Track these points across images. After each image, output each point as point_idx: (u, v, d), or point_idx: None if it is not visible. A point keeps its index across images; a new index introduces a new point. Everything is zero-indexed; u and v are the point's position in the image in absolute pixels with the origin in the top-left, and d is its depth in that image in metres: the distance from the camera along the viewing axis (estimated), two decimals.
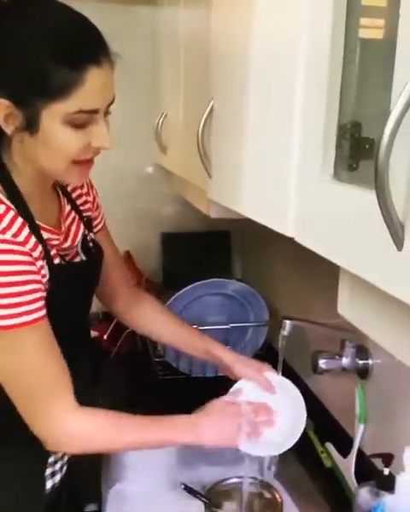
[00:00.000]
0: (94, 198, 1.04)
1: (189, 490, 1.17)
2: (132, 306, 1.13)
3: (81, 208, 0.99)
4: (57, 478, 0.96)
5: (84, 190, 1.02)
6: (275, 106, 0.62)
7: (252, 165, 0.69)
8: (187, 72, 1.20)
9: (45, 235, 0.84)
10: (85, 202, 1.01)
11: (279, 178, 0.60)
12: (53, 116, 0.73)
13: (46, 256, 0.82)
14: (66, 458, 0.99)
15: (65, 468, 0.99)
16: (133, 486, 1.20)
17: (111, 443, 0.88)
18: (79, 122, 0.75)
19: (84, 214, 0.99)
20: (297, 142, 0.55)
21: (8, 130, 0.76)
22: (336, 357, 1.06)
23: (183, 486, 1.17)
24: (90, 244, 0.97)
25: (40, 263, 0.80)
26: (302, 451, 1.19)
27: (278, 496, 1.17)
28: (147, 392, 1.40)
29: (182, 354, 1.44)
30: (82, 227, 0.96)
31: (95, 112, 0.76)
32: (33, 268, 0.77)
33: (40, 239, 0.81)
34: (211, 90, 0.88)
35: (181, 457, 1.26)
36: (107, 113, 0.79)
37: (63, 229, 0.92)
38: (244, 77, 0.71)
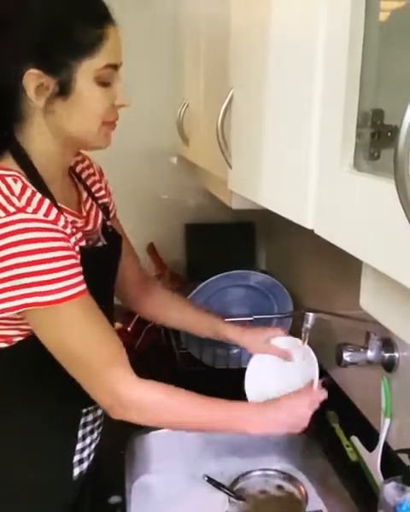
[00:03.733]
0: (105, 185, 1.06)
1: (212, 482, 1.17)
2: (142, 295, 1.15)
3: (96, 195, 1.00)
4: (85, 465, 0.97)
5: (97, 177, 1.03)
6: (294, 94, 0.60)
7: (271, 156, 0.68)
8: (207, 62, 1.18)
9: (69, 217, 0.86)
10: (100, 189, 1.03)
11: (298, 169, 0.58)
12: (86, 74, 0.78)
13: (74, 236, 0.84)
14: (93, 445, 1.00)
15: (92, 455, 0.99)
16: (157, 478, 1.21)
17: (178, 414, 0.87)
18: (105, 79, 0.80)
19: (100, 201, 1.00)
20: (316, 132, 0.54)
21: (40, 101, 0.78)
22: (361, 349, 1.04)
23: (206, 478, 1.17)
24: (110, 230, 0.99)
25: (73, 239, 0.82)
26: (327, 445, 1.18)
27: (302, 489, 1.16)
28: (170, 385, 1.40)
29: (205, 347, 1.43)
30: (100, 213, 0.98)
31: (116, 67, 0.81)
32: (69, 244, 0.79)
33: (66, 219, 0.83)
34: (230, 79, 0.86)
35: (205, 449, 1.26)
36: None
37: (84, 213, 0.93)
38: (263, 65, 0.70)
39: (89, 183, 1.00)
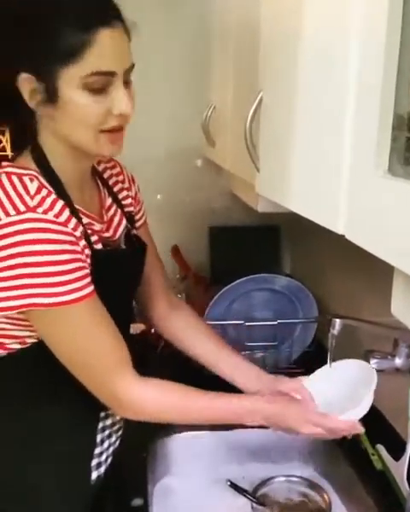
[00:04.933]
0: (136, 193, 1.04)
1: (235, 487, 1.16)
2: (169, 316, 1.09)
3: (123, 203, 0.99)
4: (102, 469, 0.97)
5: (126, 185, 1.01)
6: (326, 97, 0.59)
7: (301, 160, 0.67)
8: (236, 64, 1.18)
9: (85, 219, 0.85)
10: (127, 197, 1.00)
11: (330, 173, 0.57)
12: (69, 81, 0.73)
13: (87, 239, 0.83)
14: (111, 449, 0.99)
15: (110, 459, 0.99)
16: (179, 481, 1.20)
17: (181, 409, 0.90)
18: (97, 86, 0.74)
19: (126, 209, 0.99)
20: (349, 135, 0.53)
21: (33, 105, 0.77)
22: (389, 356, 1.02)
23: (229, 483, 1.16)
24: (134, 239, 0.97)
25: (83, 242, 0.81)
26: (353, 453, 1.16)
27: (326, 497, 1.14)
28: (194, 388, 1.39)
29: None
30: (124, 221, 0.96)
31: (111, 75, 0.75)
32: (76, 247, 0.78)
33: (80, 221, 0.82)
34: (259, 81, 0.85)
35: (227, 453, 1.25)
36: (127, 82, 0.79)
37: (105, 219, 0.92)
38: (294, 68, 0.69)
39: (116, 189, 0.99)
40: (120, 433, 1.02)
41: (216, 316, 1.41)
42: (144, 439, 1.17)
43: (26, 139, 0.83)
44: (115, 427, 1.00)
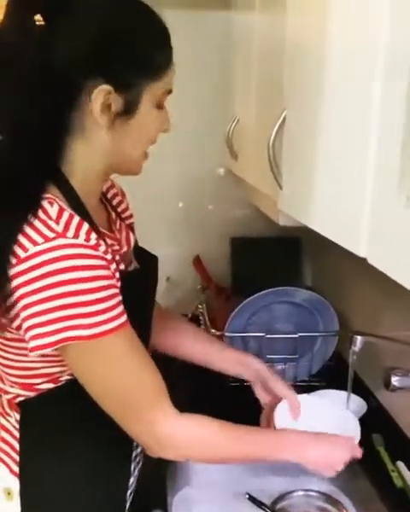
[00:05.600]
0: (127, 205, 1.02)
1: (253, 500, 1.16)
2: (161, 323, 1.07)
3: (123, 216, 0.98)
4: (131, 480, 0.96)
5: (121, 198, 1.00)
6: (351, 121, 0.60)
7: (324, 181, 0.68)
8: (260, 79, 1.19)
9: (109, 241, 0.82)
10: (125, 210, 1.00)
11: (353, 196, 0.58)
12: (150, 96, 0.77)
13: (115, 262, 0.78)
14: (136, 472, 0.98)
15: (137, 470, 0.98)
16: (198, 493, 1.20)
17: (215, 452, 0.86)
18: (161, 104, 0.80)
19: (127, 221, 0.98)
20: (373, 161, 0.53)
21: (103, 118, 0.74)
22: None
23: (247, 496, 1.16)
24: (142, 252, 0.96)
25: (113, 266, 0.76)
26: (372, 469, 1.15)
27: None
28: (214, 398, 1.40)
29: None
30: (131, 233, 0.94)
31: (169, 92, 0.81)
32: (109, 272, 0.73)
33: (106, 243, 0.77)
34: (284, 100, 0.86)
35: (246, 466, 1.25)
36: None
37: (117, 235, 0.89)
38: (319, 89, 0.70)
39: (114, 203, 0.97)
40: (143, 453, 1.00)
41: (237, 328, 1.41)
42: None
43: (51, 158, 0.77)
44: (139, 449, 0.98)
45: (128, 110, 0.76)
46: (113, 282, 0.74)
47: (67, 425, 0.86)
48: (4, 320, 0.75)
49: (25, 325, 0.71)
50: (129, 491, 0.95)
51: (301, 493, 1.20)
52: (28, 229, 0.70)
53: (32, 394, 0.83)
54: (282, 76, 0.90)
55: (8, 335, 0.79)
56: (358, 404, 1.27)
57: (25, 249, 0.69)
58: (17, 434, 0.87)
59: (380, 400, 1.32)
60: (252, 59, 1.25)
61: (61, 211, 0.72)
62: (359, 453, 0.95)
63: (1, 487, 0.90)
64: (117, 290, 0.75)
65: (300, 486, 1.21)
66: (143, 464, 1.02)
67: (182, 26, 1.73)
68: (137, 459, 0.97)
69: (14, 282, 0.69)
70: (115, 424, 0.80)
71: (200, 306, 1.60)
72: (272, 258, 1.86)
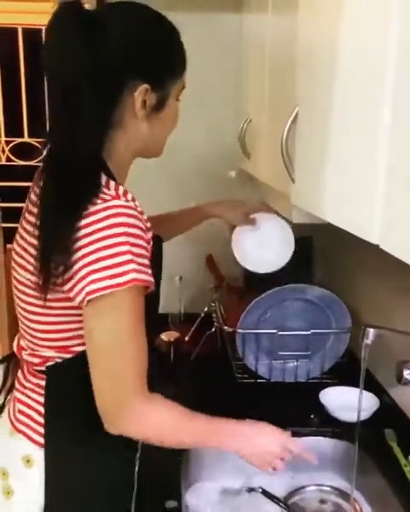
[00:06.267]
0: None
1: (267, 494, 1.17)
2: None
3: None
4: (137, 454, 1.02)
5: None
6: (362, 113, 0.61)
7: (336, 172, 0.69)
8: (272, 79, 1.21)
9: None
10: None
11: (365, 185, 0.59)
12: (175, 92, 0.92)
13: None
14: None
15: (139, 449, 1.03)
16: (211, 486, 1.22)
17: (166, 434, 0.90)
18: (178, 97, 0.94)
19: None
20: (384, 150, 0.55)
21: (141, 113, 0.88)
22: None
23: (261, 490, 1.17)
24: None
25: (150, 234, 0.86)
26: (385, 464, 1.16)
27: (357, 507, 1.14)
28: (225, 395, 1.41)
29: (261, 358, 1.44)
30: None
31: (184, 89, 0.95)
32: (147, 235, 0.84)
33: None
34: (296, 97, 0.88)
35: None
36: None
37: None
38: (330, 84, 0.71)
39: None
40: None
41: (249, 324, 1.42)
42: None
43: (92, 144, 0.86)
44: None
45: (160, 105, 0.90)
46: (147, 245, 0.83)
47: (88, 392, 0.88)
48: (59, 280, 0.81)
49: (82, 272, 0.78)
50: (136, 467, 1.01)
51: (313, 488, 1.21)
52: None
53: (67, 356, 0.90)
54: (294, 75, 0.92)
55: (53, 296, 0.85)
56: (370, 400, 1.28)
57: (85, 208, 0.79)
58: (38, 405, 0.93)
59: (392, 396, 1.33)
60: (264, 59, 1.27)
61: (108, 181, 0.83)
62: (295, 448, 0.98)
63: (20, 455, 0.93)
64: (148, 253, 0.84)
65: (313, 481, 1.22)
66: (158, 457, 1.04)
67: (196, 28, 1.76)
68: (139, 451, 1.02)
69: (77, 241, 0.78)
70: None
71: (213, 304, 1.62)
72: None
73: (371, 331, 0.94)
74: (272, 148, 1.05)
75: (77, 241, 0.78)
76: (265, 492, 1.17)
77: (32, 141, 3.91)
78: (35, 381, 0.94)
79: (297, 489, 1.20)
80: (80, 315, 0.84)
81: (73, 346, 0.89)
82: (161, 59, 0.89)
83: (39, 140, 3.89)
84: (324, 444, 1.27)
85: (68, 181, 0.82)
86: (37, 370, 0.93)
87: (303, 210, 0.89)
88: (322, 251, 1.95)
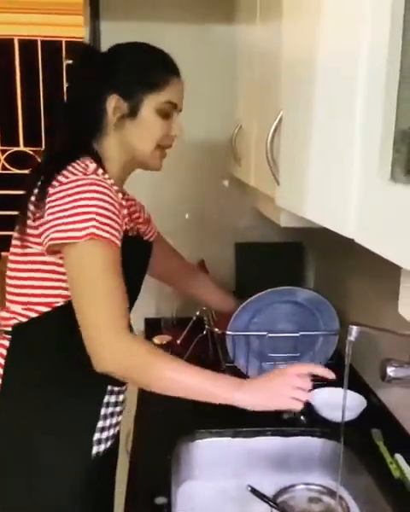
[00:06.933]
0: (147, 217, 1.33)
1: (255, 493, 1.18)
2: (187, 279, 1.51)
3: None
4: (102, 447, 1.09)
5: (137, 207, 1.28)
6: (337, 116, 0.65)
7: (315, 172, 0.72)
8: (260, 86, 1.25)
9: (126, 203, 1.11)
10: (139, 217, 1.26)
11: (341, 183, 0.63)
12: (150, 104, 1.06)
13: (129, 214, 1.13)
14: (112, 431, 1.12)
15: (110, 442, 1.11)
16: (201, 485, 1.24)
17: (151, 370, 0.94)
18: (165, 112, 1.08)
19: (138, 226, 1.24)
20: (358, 148, 0.58)
21: (114, 119, 1.06)
22: (406, 365, 1.04)
23: (249, 489, 1.19)
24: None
25: (125, 211, 1.05)
26: (371, 463, 1.18)
27: (344, 505, 1.16)
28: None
29: (251, 361, 1.47)
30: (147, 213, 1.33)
31: (175, 107, 1.10)
32: (120, 210, 0.99)
33: (125, 199, 1.09)
34: (280, 102, 0.91)
35: (249, 460, 1.28)
36: (178, 114, 1.12)
37: (134, 203, 1.25)
38: (310, 89, 0.75)
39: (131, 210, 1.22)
40: (120, 417, 1.16)
41: (239, 327, 1.45)
42: (169, 441, 1.22)
43: (88, 145, 1.08)
44: (118, 409, 1.13)
45: (132, 113, 1.07)
46: (119, 215, 0.97)
47: (49, 355, 1.04)
48: (33, 231, 0.99)
49: (51, 224, 0.94)
50: (97, 437, 1.08)
51: (301, 487, 1.23)
52: (68, 173, 0.98)
53: (31, 315, 1.03)
54: (279, 81, 0.95)
55: (29, 251, 1.02)
56: (357, 400, 1.30)
57: (66, 177, 0.97)
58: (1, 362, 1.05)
59: (380, 397, 1.35)
60: (253, 67, 1.31)
61: (96, 168, 1.01)
62: (308, 369, 1.03)
63: None
64: (122, 223, 0.99)
65: (301, 480, 1.24)
66: (148, 454, 1.06)
67: (190, 39, 1.81)
68: (110, 409, 1.11)
69: (49, 199, 0.96)
70: (92, 366, 0.95)
71: (204, 308, 1.64)
72: (275, 263, 1.90)
73: (355, 328, 0.97)
74: (259, 153, 1.08)
75: (52, 196, 0.95)
76: (254, 491, 1.19)
77: (28, 150, 3.95)
78: (1, 342, 1.07)
79: (286, 488, 1.22)
80: (48, 272, 1.00)
81: (38, 304, 1.02)
82: (133, 74, 1.06)
83: (35, 149, 3.92)
84: (312, 443, 1.30)
85: (61, 150, 1.06)
86: (4, 332, 1.06)
87: (290, 212, 0.92)
88: (313, 257, 1.98)
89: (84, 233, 0.91)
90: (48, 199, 0.96)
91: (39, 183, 0.99)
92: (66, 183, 0.96)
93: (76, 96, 1.11)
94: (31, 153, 3.90)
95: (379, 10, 0.53)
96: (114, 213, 0.95)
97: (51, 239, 0.94)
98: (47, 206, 0.96)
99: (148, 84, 1.06)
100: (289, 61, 0.89)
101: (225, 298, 1.52)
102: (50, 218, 0.95)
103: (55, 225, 0.93)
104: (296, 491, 1.22)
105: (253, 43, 1.33)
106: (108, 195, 0.95)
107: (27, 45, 3.86)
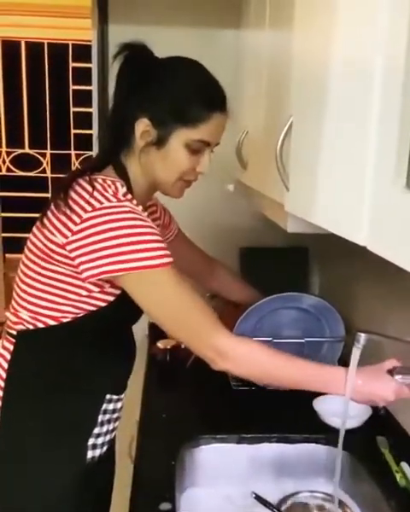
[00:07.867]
0: (169, 221, 1.37)
1: (260, 500, 1.18)
2: (210, 273, 1.52)
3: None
4: (97, 453, 1.09)
5: (158, 214, 1.31)
6: (351, 121, 0.64)
7: (327, 178, 0.72)
8: (269, 91, 1.24)
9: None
10: (158, 226, 1.23)
11: (353, 189, 0.62)
12: (179, 138, 1.00)
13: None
14: (108, 437, 1.12)
15: (105, 448, 1.12)
16: (205, 491, 1.23)
17: (269, 368, 1.00)
18: (194, 148, 1.01)
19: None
20: (371, 154, 0.58)
21: (141, 143, 1.02)
22: None
23: (254, 495, 1.18)
24: None
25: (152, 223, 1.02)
26: (377, 471, 1.17)
27: None
28: (221, 403, 1.43)
29: None
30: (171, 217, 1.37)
31: (208, 144, 1.03)
32: (150, 224, 0.97)
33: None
34: (290, 107, 0.91)
35: (253, 467, 1.28)
36: (212, 150, 1.06)
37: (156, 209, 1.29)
38: (323, 95, 0.74)
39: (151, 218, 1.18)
40: (117, 424, 1.17)
41: (244, 332, 1.44)
42: (173, 448, 1.21)
43: (115, 155, 1.06)
44: (114, 416, 1.13)
45: (159, 142, 1.01)
46: (159, 236, 0.96)
47: (51, 365, 1.04)
48: (61, 250, 0.95)
49: (98, 254, 0.91)
50: (92, 442, 1.08)
51: (306, 494, 1.22)
52: (98, 195, 0.94)
53: (38, 324, 1.02)
54: (289, 86, 0.95)
55: (50, 267, 0.98)
56: (362, 407, 1.29)
57: (85, 210, 0.93)
58: (1, 371, 1.06)
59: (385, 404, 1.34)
60: (262, 72, 1.30)
61: (126, 193, 0.98)
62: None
63: None
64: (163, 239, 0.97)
65: (306, 487, 1.23)
66: (153, 460, 1.05)
67: (196, 43, 1.81)
68: (107, 416, 1.11)
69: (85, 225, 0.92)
70: (93, 376, 1.05)
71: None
72: (280, 268, 1.89)
73: (363, 335, 0.96)
74: (267, 159, 1.08)
75: (87, 221, 0.92)
76: (258, 498, 1.18)
77: (33, 152, 3.95)
78: (5, 344, 1.07)
79: (291, 495, 1.21)
80: (64, 290, 0.98)
81: (46, 316, 1.01)
82: (168, 102, 0.99)
83: (40, 151, 3.93)
84: (318, 450, 1.29)
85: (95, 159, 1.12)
86: (9, 334, 1.06)
87: (298, 218, 0.91)
88: (318, 262, 1.98)
89: (158, 262, 0.92)
90: (82, 225, 0.92)
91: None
92: (100, 209, 0.92)
93: (117, 103, 1.05)
94: (36, 155, 3.91)
95: (396, 14, 0.53)
96: (157, 234, 0.95)
97: (106, 272, 0.92)
98: (86, 233, 0.92)
99: (182, 117, 0.99)
100: (300, 66, 0.89)
101: (246, 287, 1.53)
102: (96, 247, 0.91)
103: (109, 255, 0.90)
104: (301, 499, 1.21)
105: (261, 47, 1.33)
106: (139, 218, 0.94)
107: (34, 48, 3.88)
